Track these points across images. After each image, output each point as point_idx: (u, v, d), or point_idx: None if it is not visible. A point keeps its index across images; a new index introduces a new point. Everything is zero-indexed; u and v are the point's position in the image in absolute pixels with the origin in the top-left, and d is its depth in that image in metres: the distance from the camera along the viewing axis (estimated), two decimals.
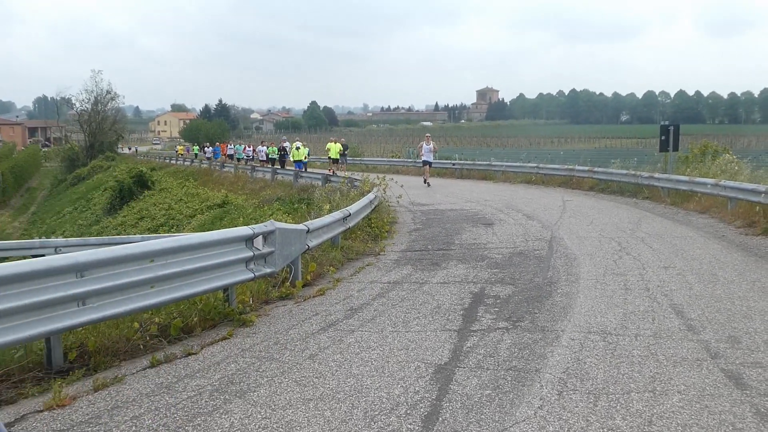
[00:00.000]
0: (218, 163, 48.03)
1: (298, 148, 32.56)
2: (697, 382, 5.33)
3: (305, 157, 32.83)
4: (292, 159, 32.78)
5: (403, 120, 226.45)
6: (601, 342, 6.41)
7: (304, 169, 31.55)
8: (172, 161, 63.25)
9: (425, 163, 27.30)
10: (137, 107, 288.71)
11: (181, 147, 74.77)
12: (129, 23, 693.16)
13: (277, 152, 39.18)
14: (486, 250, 11.70)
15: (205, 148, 60.72)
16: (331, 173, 29.63)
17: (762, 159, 19.34)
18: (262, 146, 43.70)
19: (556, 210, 17.60)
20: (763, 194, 13.96)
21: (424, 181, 26.82)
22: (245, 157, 48.47)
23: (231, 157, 51.04)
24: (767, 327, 6.86)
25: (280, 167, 36.63)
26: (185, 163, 57.14)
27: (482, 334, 6.73)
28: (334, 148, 33.31)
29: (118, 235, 28.63)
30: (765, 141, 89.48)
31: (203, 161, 53.68)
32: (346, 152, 38.13)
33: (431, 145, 27.14)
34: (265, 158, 41.37)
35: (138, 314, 6.51)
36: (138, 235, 20.27)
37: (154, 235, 19.08)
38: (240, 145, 53.40)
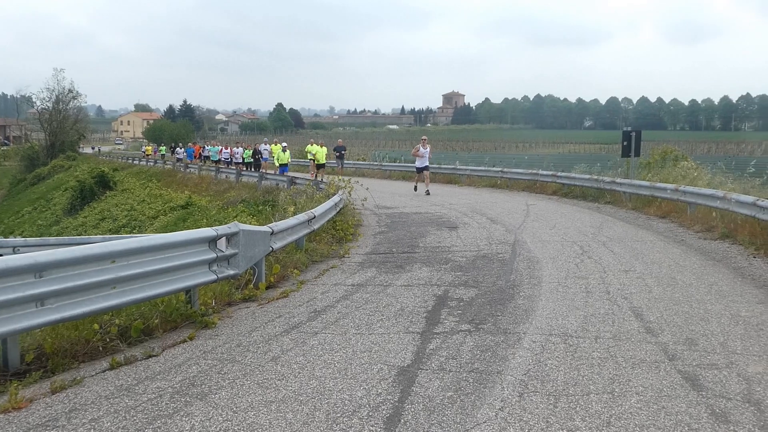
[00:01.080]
0: (182, 164, 47.48)
1: (284, 150, 30.86)
2: (655, 383, 5.42)
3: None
4: (277, 163, 30.74)
5: (369, 123, 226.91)
6: (562, 344, 6.48)
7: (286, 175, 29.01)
8: (134, 161, 62.58)
9: (422, 169, 24.22)
10: (100, 107, 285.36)
11: (149, 147, 72.89)
12: (90, 20, 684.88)
13: (251, 155, 37.03)
14: (450, 254, 11.76)
15: (177, 149, 56.88)
16: (315, 178, 26.67)
17: (720, 165, 19.69)
18: (238, 148, 41.82)
19: (520, 214, 17.75)
20: (720, 200, 14.25)
21: (415, 189, 24.24)
22: (223, 159, 43.15)
23: (206, 159, 46.96)
24: (723, 329, 7.00)
25: (252, 170, 34.93)
26: (148, 163, 56.55)
27: (445, 337, 6.77)
28: (321, 152, 31.12)
29: (79, 236, 28.20)
30: (724, 148, 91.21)
31: (168, 162, 51.72)
32: (343, 152, 36.44)
33: (428, 149, 24.45)
34: (240, 161, 39.00)
35: (98, 315, 6.41)
36: (99, 236, 19.98)
37: (116, 235, 18.85)
38: (215, 147, 48.53)
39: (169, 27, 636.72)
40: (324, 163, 31.43)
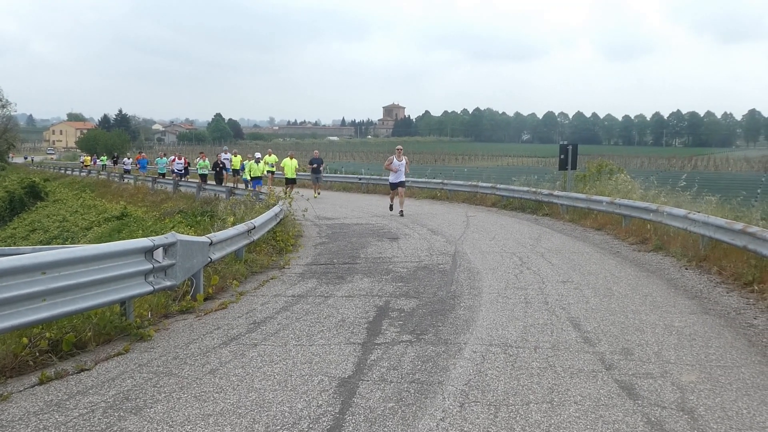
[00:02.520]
0: (117, 174, 46.43)
1: (258, 161, 27.26)
2: (593, 392, 5.49)
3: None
4: (249, 176, 27.14)
5: (309, 134, 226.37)
6: (502, 354, 6.52)
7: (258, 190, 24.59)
8: (67, 171, 60.95)
9: (396, 185, 20.38)
10: (31, 116, 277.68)
11: (87, 157, 69.51)
12: (20, 26, 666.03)
13: (209, 167, 32.38)
14: (391, 264, 11.76)
15: (125, 159, 50.78)
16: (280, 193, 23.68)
17: (653, 180, 20.22)
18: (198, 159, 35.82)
19: (460, 225, 17.88)
20: (654, 212, 14.62)
21: (391, 208, 20.80)
22: (177, 171, 36.74)
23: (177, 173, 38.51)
24: (658, 339, 7.15)
25: (215, 183, 30.21)
26: (81, 173, 55.17)
27: (386, 347, 6.74)
28: (290, 165, 27.40)
29: (7, 246, 27.28)
30: (656, 162, 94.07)
31: (112, 173, 47.67)
32: (321, 168, 30.23)
33: (404, 161, 20.40)
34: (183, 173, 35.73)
35: (27, 329, 6.17)
36: (29, 247, 19.34)
37: (47, 246, 18.29)
38: (164, 158, 41.95)
39: (101, 34, 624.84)
40: (294, 179, 27.76)
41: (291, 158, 27.91)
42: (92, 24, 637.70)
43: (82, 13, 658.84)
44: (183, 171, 36.58)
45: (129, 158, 51.07)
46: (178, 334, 7.34)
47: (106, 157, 65.60)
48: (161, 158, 41.76)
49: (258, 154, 28.18)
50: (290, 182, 27.24)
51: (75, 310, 6.45)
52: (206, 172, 32.40)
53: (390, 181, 20.79)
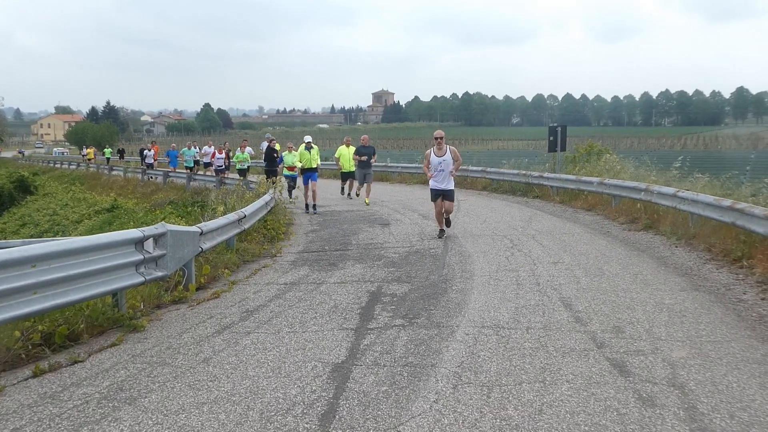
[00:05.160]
0: (107, 166, 46.07)
1: (309, 148, 18.65)
2: (585, 371, 5.53)
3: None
4: (301, 166, 18.74)
5: (299, 122, 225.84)
6: (494, 336, 6.55)
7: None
8: (56, 165, 60.53)
9: (440, 194, 12.86)
10: (18, 109, 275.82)
11: (90, 150, 63.00)
12: (3, 19, 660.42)
13: (248, 159, 25.21)
14: (383, 250, 11.77)
15: (146, 152, 40.95)
16: (347, 194, 21.76)
17: (642, 159, 20.28)
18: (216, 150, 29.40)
19: None
20: (643, 192, 14.66)
21: (441, 234, 13.13)
22: (218, 168, 28.41)
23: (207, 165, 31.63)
24: (649, 317, 7.20)
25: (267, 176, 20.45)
26: (70, 166, 54.83)
27: (379, 332, 6.76)
28: (347, 155, 20.94)
29: None
30: (645, 142, 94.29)
31: (128, 170, 40.86)
32: (372, 160, 20.82)
33: (448, 155, 12.88)
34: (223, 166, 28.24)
35: (19, 322, 6.17)
36: (19, 240, 19.27)
37: (38, 239, 18.23)
38: (192, 149, 34.03)
39: (86, 25, 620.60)
40: (351, 172, 21.34)
41: (347, 145, 21.31)
42: (77, 14, 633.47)
43: (67, 4, 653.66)
44: (224, 166, 28.56)
45: (149, 149, 41.10)
46: (170, 324, 7.35)
47: (109, 150, 61.11)
48: (188, 149, 34.07)
49: (308, 137, 19.06)
50: (347, 177, 21.82)
51: (66, 303, 6.44)
52: (246, 165, 25.37)
53: (431, 187, 13.06)
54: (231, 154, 29.15)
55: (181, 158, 35.28)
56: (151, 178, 35.71)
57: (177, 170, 34.45)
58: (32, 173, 49.47)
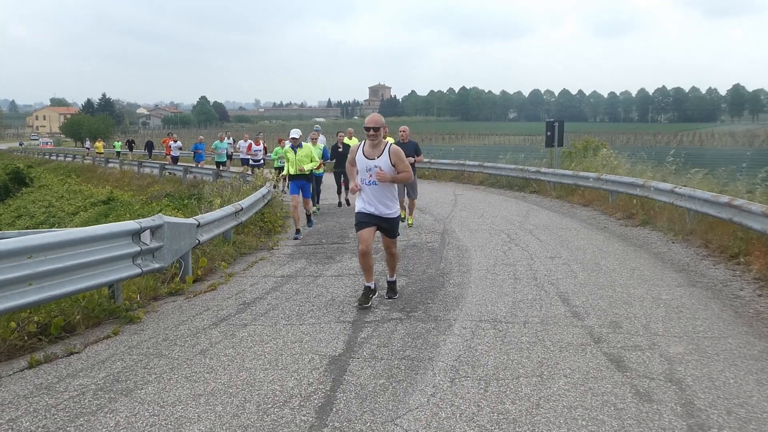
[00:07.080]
0: (102, 159, 45.84)
1: (296, 148, 13.30)
2: (582, 365, 5.53)
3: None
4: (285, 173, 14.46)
5: (295, 116, 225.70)
6: (492, 330, 6.55)
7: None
8: (52, 157, 60.32)
9: (371, 223, 8.14)
10: (13, 101, 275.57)
11: (100, 143, 59.30)
12: None
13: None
14: (381, 243, 11.73)
15: (171, 143, 35.95)
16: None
17: (639, 155, 20.31)
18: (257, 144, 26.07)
19: (448, 204, 17.90)
20: (640, 187, 14.68)
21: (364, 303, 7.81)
22: (253, 163, 25.32)
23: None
24: (646, 312, 7.20)
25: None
26: (66, 158, 54.67)
27: (376, 325, 6.75)
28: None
29: None
30: (642, 138, 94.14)
31: (125, 162, 39.35)
32: (416, 160, 13.46)
33: (386, 158, 7.61)
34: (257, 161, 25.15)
35: (15, 313, 6.14)
36: (15, 231, 19.23)
37: (33, 230, 18.15)
38: (224, 141, 29.30)
39: (82, 17, 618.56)
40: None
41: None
42: (73, 6, 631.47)
43: None
44: (262, 161, 25.68)
45: (176, 141, 36.60)
46: (167, 315, 7.33)
47: (119, 143, 57.87)
48: (221, 142, 29.34)
49: (295, 132, 13.88)
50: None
51: (62, 294, 6.41)
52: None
53: (357, 210, 8.46)
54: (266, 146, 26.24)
55: (212, 152, 30.70)
56: (171, 173, 32.18)
57: (200, 165, 30.12)
58: (27, 165, 49.30)
